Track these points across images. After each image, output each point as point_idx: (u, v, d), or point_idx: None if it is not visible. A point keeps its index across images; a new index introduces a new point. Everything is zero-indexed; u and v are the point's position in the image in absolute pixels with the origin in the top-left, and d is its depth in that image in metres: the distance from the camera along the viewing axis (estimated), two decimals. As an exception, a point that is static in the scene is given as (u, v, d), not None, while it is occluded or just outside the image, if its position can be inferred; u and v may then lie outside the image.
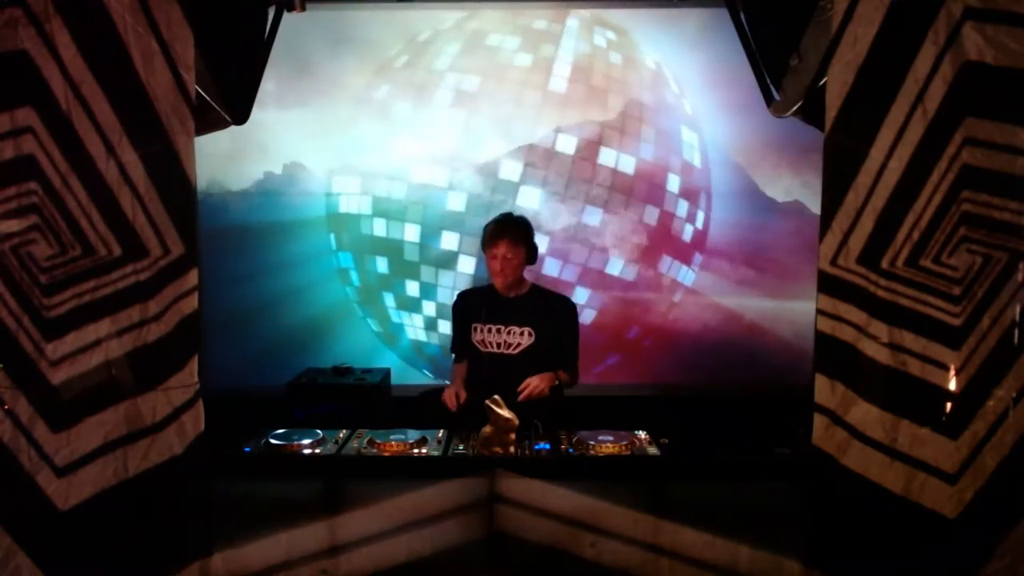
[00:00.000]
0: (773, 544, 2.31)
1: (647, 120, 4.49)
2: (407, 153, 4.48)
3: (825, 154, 2.15)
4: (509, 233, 3.02)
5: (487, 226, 3.12)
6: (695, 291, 4.64)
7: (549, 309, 3.14)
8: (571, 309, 3.19)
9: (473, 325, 3.13)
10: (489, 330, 3.10)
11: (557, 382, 3.04)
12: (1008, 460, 2.01)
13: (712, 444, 2.70)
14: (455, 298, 3.32)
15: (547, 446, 2.56)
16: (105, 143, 2.06)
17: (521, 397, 2.89)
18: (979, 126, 1.98)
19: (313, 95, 4.50)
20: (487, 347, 3.11)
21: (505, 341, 3.08)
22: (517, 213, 3.23)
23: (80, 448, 2.08)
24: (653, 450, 2.54)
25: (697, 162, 4.55)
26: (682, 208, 4.54)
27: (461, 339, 3.23)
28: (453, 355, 3.34)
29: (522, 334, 3.07)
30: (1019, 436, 2.00)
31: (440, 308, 4.49)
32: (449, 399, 2.99)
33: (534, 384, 2.95)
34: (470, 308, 3.18)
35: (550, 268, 4.53)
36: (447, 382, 4.37)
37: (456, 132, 4.47)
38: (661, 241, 4.54)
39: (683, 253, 4.58)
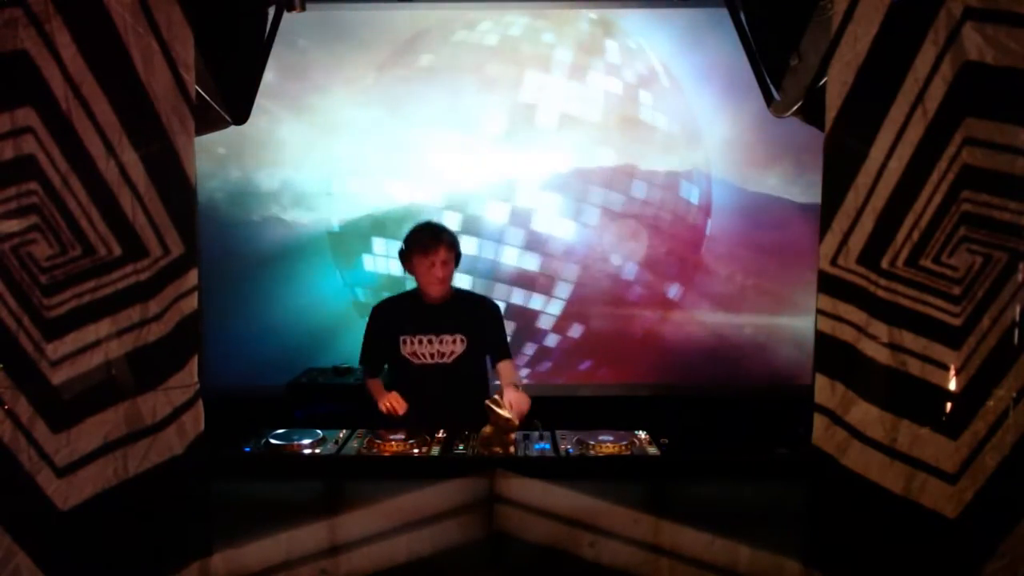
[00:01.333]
0: (773, 544, 2.30)
1: (647, 120, 4.49)
2: (409, 152, 4.48)
3: (825, 154, 2.15)
4: (445, 237, 2.94)
5: (417, 233, 2.97)
6: (695, 291, 4.64)
7: (478, 312, 3.07)
8: (497, 310, 3.14)
9: (401, 338, 2.99)
10: (420, 341, 2.98)
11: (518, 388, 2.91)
12: (1008, 460, 2.00)
13: (712, 444, 2.70)
14: (373, 309, 3.13)
15: (547, 446, 2.56)
16: (105, 143, 2.06)
17: (518, 422, 2.65)
18: (979, 126, 1.98)
19: (313, 95, 4.50)
20: (420, 358, 2.99)
21: (439, 351, 2.97)
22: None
23: (80, 448, 2.07)
24: (653, 450, 2.54)
25: (697, 161, 4.55)
26: (682, 208, 4.54)
27: (380, 352, 3.06)
28: (361, 368, 3.16)
29: (455, 341, 2.98)
30: (1019, 436, 2.00)
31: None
32: (393, 405, 2.82)
33: (525, 406, 2.79)
34: (394, 319, 3.04)
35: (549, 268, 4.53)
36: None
37: (457, 133, 4.47)
38: (661, 241, 4.54)
39: (683, 253, 4.58)
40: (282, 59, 4.29)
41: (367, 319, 3.14)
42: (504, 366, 3.08)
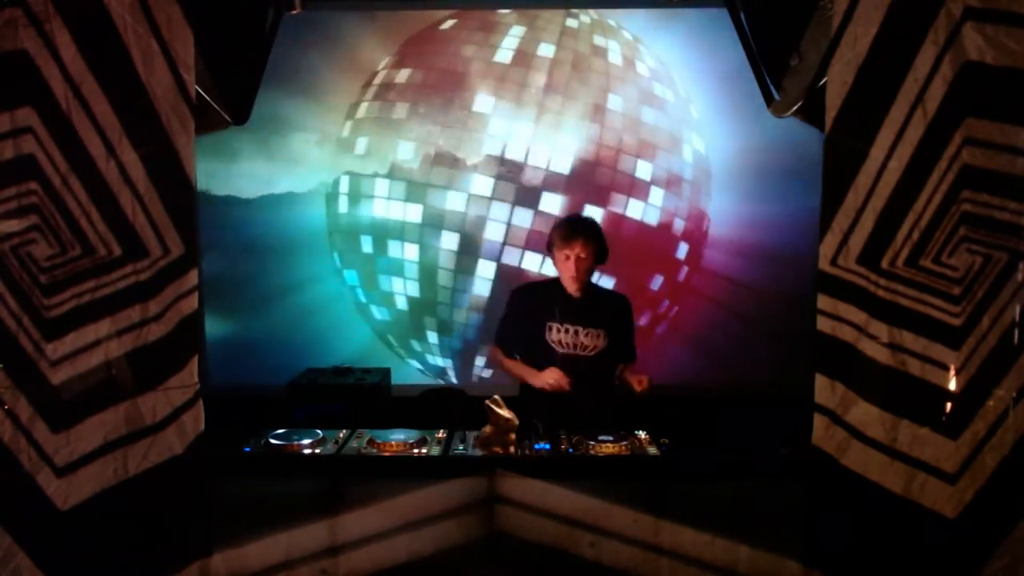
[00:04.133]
0: (773, 544, 2.30)
1: (647, 119, 4.49)
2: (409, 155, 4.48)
3: (825, 154, 2.15)
4: (584, 232, 2.92)
5: (559, 225, 3.00)
6: (695, 290, 4.64)
7: (615, 309, 3.08)
8: (630, 307, 3.13)
9: (548, 324, 2.98)
10: (566, 331, 2.97)
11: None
12: (1008, 460, 2.01)
13: (712, 444, 2.70)
14: (513, 293, 3.15)
15: (547, 446, 2.56)
16: (105, 143, 2.06)
17: (639, 385, 2.86)
18: (979, 126, 1.98)
19: (314, 94, 4.50)
20: (564, 347, 2.98)
21: (581, 343, 2.97)
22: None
23: (80, 448, 2.08)
24: (653, 450, 2.54)
25: (698, 161, 4.55)
26: (682, 208, 4.54)
27: (522, 335, 3.06)
28: (499, 348, 3.14)
29: (597, 336, 2.98)
30: (1019, 436, 2.00)
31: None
32: (561, 379, 2.83)
33: (646, 382, 2.90)
34: (539, 305, 3.02)
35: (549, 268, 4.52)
36: (440, 381, 4.35)
37: (456, 137, 4.47)
38: (661, 241, 4.54)
39: (683, 253, 4.58)
40: (284, 59, 4.29)
41: (506, 301, 3.15)
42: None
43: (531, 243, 4.49)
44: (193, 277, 2.18)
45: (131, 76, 2.06)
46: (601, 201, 4.48)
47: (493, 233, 4.51)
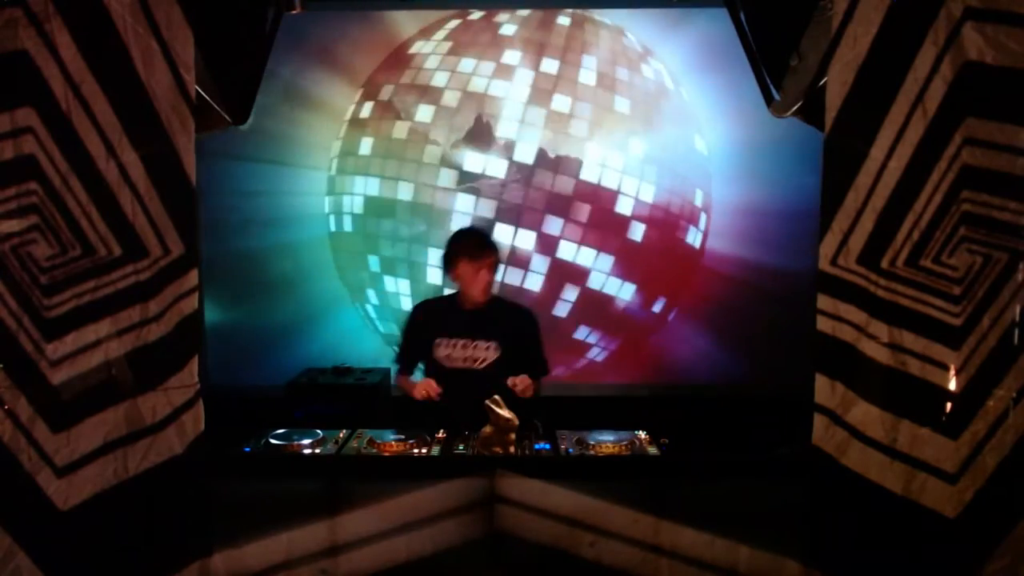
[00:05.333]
0: (773, 544, 2.30)
1: (648, 119, 4.49)
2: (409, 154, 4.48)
3: (825, 154, 2.15)
4: (494, 247, 2.96)
5: (466, 238, 3.00)
6: (696, 290, 4.64)
7: (513, 322, 3.06)
8: (534, 320, 3.11)
9: (436, 340, 3.00)
10: (455, 345, 2.98)
11: (535, 391, 2.93)
12: (1008, 460, 2.00)
13: (712, 444, 2.70)
14: (413, 310, 3.16)
15: (547, 446, 2.56)
16: (105, 143, 2.06)
17: (515, 387, 2.80)
18: (979, 126, 1.98)
19: (314, 94, 4.50)
20: (452, 362, 2.99)
21: (472, 356, 2.97)
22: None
23: (80, 448, 2.08)
24: (653, 450, 2.54)
25: (698, 161, 4.55)
26: (682, 207, 4.54)
27: (416, 353, 3.08)
28: (397, 366, 3.16)
29: (488, 348, 2.97)
30: (1019, 436, 2.00)
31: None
32: (430, 389, 2.83)
33: (528, 383, 2.85)
34: (432, 322, 3.05)
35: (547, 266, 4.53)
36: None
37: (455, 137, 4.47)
38: (661, 241, 4.54)
39: (683, 252, 4.59)
40: (285, 57, 4.29)
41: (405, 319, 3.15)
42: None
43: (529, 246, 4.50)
44: (193, 277, 2.18)
45: (131, 76, 2.06)
46: (601, 201, 4.49)
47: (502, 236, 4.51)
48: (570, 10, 4.52)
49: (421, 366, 3.10)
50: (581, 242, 4.50)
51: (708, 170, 4.56)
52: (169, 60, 2.09)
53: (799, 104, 2.55)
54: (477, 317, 3.00)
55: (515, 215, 4.47)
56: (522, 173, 4.46)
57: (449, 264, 2.99)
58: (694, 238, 4.58)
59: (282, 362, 4.33)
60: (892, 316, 2.09)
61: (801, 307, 4.45)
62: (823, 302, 2.17)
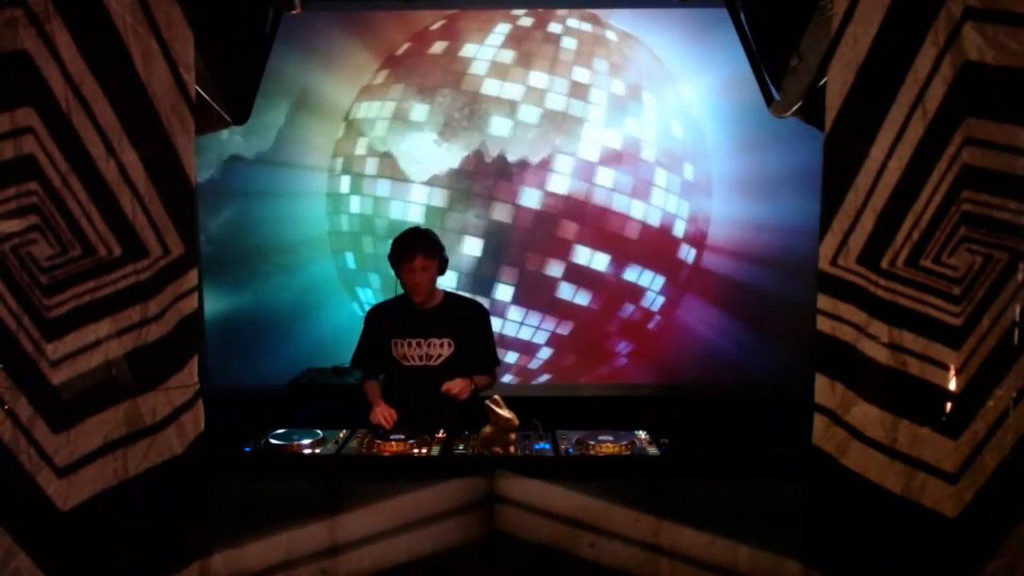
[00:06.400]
0: (773, 544, 2.30)
1: (648, 119, 4.49)
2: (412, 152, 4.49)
3: (825, 154, 2.15)
4: (422, 247, 2.96)
5: (397, 241, 3.03)
6: (696, 290, 4.64)
7: (464, 316, 3.12)
8: (483, 314, 3.18)
9: (392, 340, 3.07)
10: (409, 344, 3.05)
11: (473, 387, 3.00)
12: (1008, 460, 2.00)
13: (712, 444, 2.70)
14: (367, 313, 3.22)
15: (547, 446, 2.56)
16: (105, 143, 2.06)
17: (450, 391, 2.90)
18: (979, 126, 1.98)
19: (314, 93, 4.50)
20: (409, 360, 3.06)
21: (427, 353, 3.05)
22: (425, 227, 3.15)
23: (80, 448, 2.07)
24: (653, 450, 2.54)
25: (698, 161, 4.55)
26: (683, 208, 4.54)
27: (372, 354, 3.14)
28: (356, 371, 3.20)
29: (442, 345, 3.05)
30: (1019, 436, 2.00)
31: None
32: (385, 418, 2.88)
33: (461, 386, 2.93)
34: (386, 322, 3.11)
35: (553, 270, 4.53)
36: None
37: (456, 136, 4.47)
38: (661, 241, 4.54)
39: (683, 252, 4.58)
40: (287, 57, 4.29)
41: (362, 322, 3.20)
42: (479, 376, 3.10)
43: (527, 245, 4.50)
44: (193, 277, 2.18)
45: (131, 76, 2.06)
46: (602, 201, 4.49)
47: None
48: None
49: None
50: (576, 240, 4.50)
51: (708, 169, 4.56)
52: (169, 60, 2.09)
53: (799, 104, 2.55)
54: (428, 315, 3.07)
55: (516, 217, 4.47)
56: (517, 170, 4.46)
57: (392, 265, 3.05)
58: (694, 238, 4.58)
59: (282, 362, 4.33)
60: (892, 316, 2.09)
61: (801, 307, 4.48)
62: (823, 302, 2.17)
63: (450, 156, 4.49)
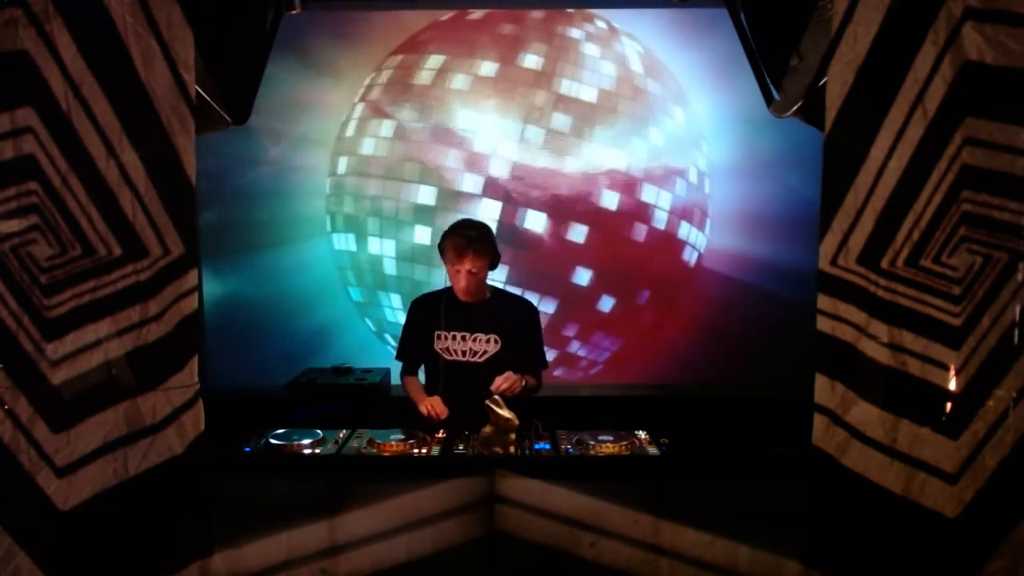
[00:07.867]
0: (773, 544, 2.30)
1: (648, 119, 4.49)
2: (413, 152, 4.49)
3: (825, 154, 2.15)
4: (474, 247, 2.82)
5: (447, 237, 2.89)
6: (696, 290, 4.64)
7: (513, 315, 3.03)
8: (533, 312, 3.07)
9: (436, 333, 2.97)
10: (453, 337, 2.96)
11: (525, 384, 2.89)
12: (1008, 460, 2.00)
13: (712, 444, 2.70)
14: (411, 305, 3.12)
15: (547, 446, 2.56)
16: (105, 143, 2.06)
17: (500, 387, 2.74)
18: (979, 126, 1.98)
19: (314, 93, 4.50)
20: (452, 355, 2.97)
21: (471, 348, 2.96)
22: (477, 219, 3.02)
23: (80, 448, 2.07)
24: (653, 450, 2.54)
25: (698, 161, 4.55)
26: (683, 207, 4.54)
27: (416, 347, 3.05)
28: (400, 364, 3.12)
29: (488, 341, 2.95)
30: (1019, 436, 2.00)
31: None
32: (438, 409, 2.82)
33: (514, 379, 2.80)
34: (430, 315, 3.00)
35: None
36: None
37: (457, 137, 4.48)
38: (661, 241, 4.54)
39: (683, 252, 4.59)
40: (287, 56, 4.29)
41: (405, 314, 3.11)
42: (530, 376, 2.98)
43: (527, 244, 4.50)
44: (193, 277, 2.18)
45: (131, 76, 2.06)
46: (602, 201, 4.49)
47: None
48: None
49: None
50: (576, 240, 4.50)
51: (708, 169, 4.56)
52: (169, 60, 2.09)
53: (799, 104, 2.55)
54: (475, 309, 2.98)
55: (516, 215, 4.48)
56: (517, 171, 4.47)
57: (440, 253, 2.95)
58: (694, 238, 4.58)
59: (282, 362, 4.33)
60: (892, 316, 2.09)
61: (801, 307, 4.48)
62: (823, 302, 2.17)
63: (450, 156, 4.48)
